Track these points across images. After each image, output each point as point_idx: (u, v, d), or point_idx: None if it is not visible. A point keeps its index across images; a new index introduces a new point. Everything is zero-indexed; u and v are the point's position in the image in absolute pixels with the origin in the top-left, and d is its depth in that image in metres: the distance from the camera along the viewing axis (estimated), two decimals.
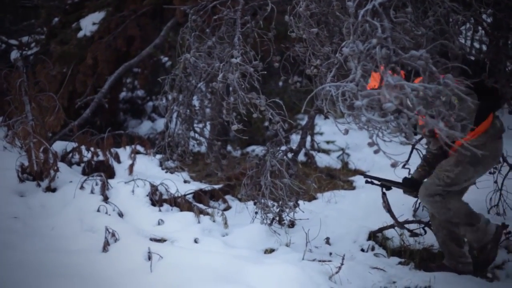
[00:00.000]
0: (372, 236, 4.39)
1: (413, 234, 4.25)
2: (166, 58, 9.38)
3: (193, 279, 3.36)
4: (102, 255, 3.69)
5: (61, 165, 4.93)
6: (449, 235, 3.83)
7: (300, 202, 4.66)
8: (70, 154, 5.43)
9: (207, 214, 4.72)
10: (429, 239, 4.26)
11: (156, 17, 7.09)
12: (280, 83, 8.66)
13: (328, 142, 8.50)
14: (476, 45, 6.91)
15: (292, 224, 4.62)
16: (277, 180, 4.26)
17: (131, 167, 5.43)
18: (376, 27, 2.26)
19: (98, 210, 4.33)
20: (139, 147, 6.01)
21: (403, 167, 4.75)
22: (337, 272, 3.66)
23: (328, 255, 4.13)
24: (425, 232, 4.25)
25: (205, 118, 5.35)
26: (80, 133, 5.45)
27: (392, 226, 4.32)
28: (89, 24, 6.92)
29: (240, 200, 5.30)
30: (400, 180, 4.02)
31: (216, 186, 5.68)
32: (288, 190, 4.26)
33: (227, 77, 4.03)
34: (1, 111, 5.77)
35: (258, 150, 7.84)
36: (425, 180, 3.80)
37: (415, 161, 4.34)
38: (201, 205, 5.01)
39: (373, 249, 4.27)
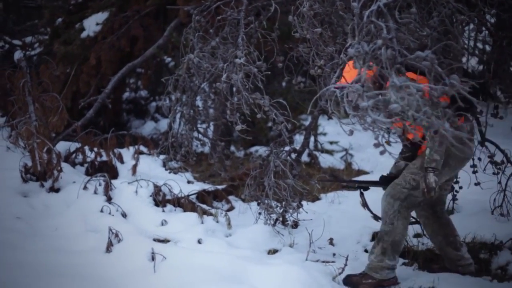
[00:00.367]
0: (376, 236, 4.37)
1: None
2: (170, 59, 9.37)
3: (197, 280, 3.36)
4: (105, 255, 3.69)
5: (65, 166, 4.94)
6: (444, 241, 3.81)
7: (304, 202, 4.66)
8: (74, 155, 5.43)
9: (211, 214, 4.71)
10: None
11: (160, 18, 7.07)
12: (284, 84, 8.64)
13: (331, 143, 8.49)
14: (480, 45, 6.91)
15: (295, 225, 4.61)
16: (281, 180, 4.25)
17: (134, 168, 5.42)
18: (382, 27, 2.25)
19: (102, 211, 4.33)
20: (142, 148, 6.00)
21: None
22: (340, 273, 3.65)
23: (332, 255, 4.12)
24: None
25: (208, 118, 5.34)
26: (83, 133, 5.44)
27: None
28: (92, 24, 6.91)
29: (243, 200, 5.30)
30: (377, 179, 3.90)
31: (220, 187, 5.68)
32: (291, 191, 4.25)
33: (231, 77, 4.03)
34: (4, 111, 5.80)
35: (262, 150, 7.82)
36: (395, 180, 3.62)
37: None
38: (204, 206, 5.00)
39: None
